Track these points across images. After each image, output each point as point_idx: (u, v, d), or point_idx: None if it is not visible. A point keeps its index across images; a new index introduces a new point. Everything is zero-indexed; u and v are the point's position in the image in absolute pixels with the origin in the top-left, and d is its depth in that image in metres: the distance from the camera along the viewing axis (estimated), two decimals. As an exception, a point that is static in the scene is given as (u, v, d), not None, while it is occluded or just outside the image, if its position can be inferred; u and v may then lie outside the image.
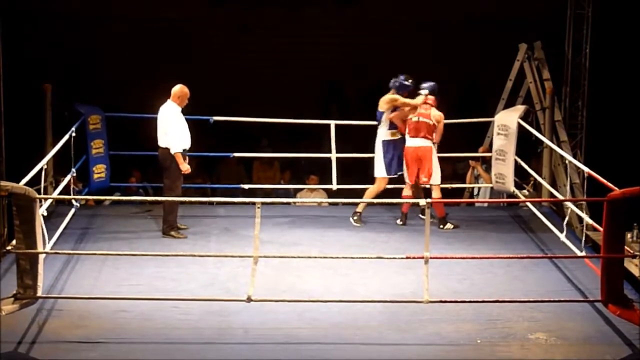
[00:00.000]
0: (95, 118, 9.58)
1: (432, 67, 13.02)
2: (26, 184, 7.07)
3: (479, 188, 10.62)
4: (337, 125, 9.97)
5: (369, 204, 9.35)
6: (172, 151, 8.48)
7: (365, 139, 9.53)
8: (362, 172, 10.74)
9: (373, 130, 9.26)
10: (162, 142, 8.58)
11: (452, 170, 11.77)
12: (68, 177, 9.03)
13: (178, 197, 8.47)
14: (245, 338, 6.52)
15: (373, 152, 9.27)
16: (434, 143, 9.09)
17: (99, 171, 9.59)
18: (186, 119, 9.58)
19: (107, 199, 8.86)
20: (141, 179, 11.15)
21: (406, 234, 8.83)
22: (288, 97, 13.10)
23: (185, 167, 8.52)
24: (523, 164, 9.63)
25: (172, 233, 8.63)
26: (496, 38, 12.63)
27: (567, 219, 8.25)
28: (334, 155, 9.77)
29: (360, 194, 9.75)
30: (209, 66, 13.14)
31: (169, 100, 8.60)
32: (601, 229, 6.74)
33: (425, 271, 6.65)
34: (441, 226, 9.05)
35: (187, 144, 8.61)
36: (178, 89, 8.59)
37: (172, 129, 8.50)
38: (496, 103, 10.97)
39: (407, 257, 7.21)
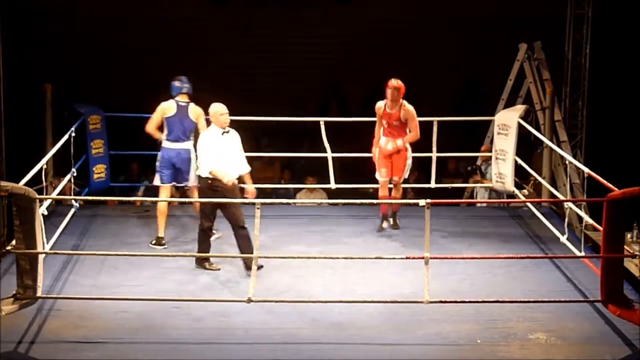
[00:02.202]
0: (95, 118, 9.58)
1: (432, 67, 13.09)
2: (26, 184, 7.08)
3: (477, 188, 10.64)
4: (336, 125, 9.96)
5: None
6: (204, 174, 7.69)
7: (364, 138, 9.51)
8: (362, 171, 10.76)
9: (371, 130, 9.23)
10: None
11: (456, 169, 11.77)
12: (68, 177, 9.03)
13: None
14: (245, 338, 6.52)
15: (369, 151, 9.21)
16: None
17: (99, 171, 9.59)
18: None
19: (107, 199, 8.86)
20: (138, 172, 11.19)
21: (406, 234, 8.82)
22: (288, 97, 13.11)
23: (227, 178, 7.68)
24: (523, 164, 9.63)
25: (206, 264, 7.80)
26: (496, 38, 12.64)
27: (566, 219, 8.25)
28: (329, 155, 9.70)
29: (359, 193, 9.75)
30: (209, 66, 13.13)
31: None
32: (601, 228, 6.74)
33: (426, 271, 6.65)
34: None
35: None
36: (211, 110, 7.86)
37: (200, 153, 7.80)
38: (496, 103, 10.97)
39: (407, 257, 7.21)
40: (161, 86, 8.81)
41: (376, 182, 8.96)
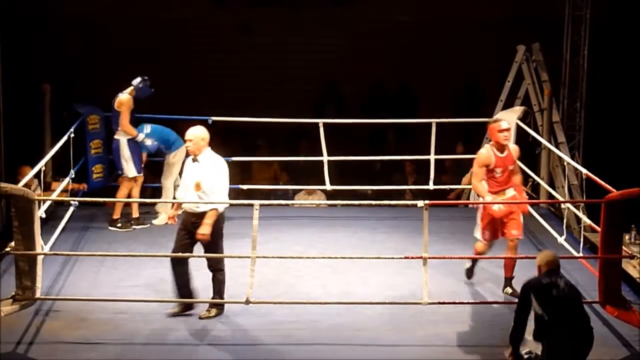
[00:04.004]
0: (94, 118, 9.58)
1: (430, 68, 13.09)
2: (24, 185, 7.09)
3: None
4: (334, 127, 9.94)
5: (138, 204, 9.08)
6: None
7: (363, 139, 9.53)
8: (361, 172, 10.77)
9: (369, 131, 9.24)
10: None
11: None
12: (67, 179, 9.03)
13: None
14: (243, 339, 6.53)
15: (365, 154, 9.17)
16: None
17: (98, 171, 9.58)
18: (185, 119, 9.56)
19: (106, 200, 8.84)
20: None
21: (405, 235, 8.82)
22: (288, 98, 13.11)
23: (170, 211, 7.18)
24: (522, 165, 9.62)
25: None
26: (495, 39, 12.63)
27: (565, 221, 8.25)
28: (325, 159, 9.63)
29: (357, 194, 9.72)
30: (209, 66, 13.13)
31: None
32: (599, 230, 6.75)
33: (424, 272, 6.66)
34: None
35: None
36: None
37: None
38: (494, 104, 10.97)
39: (406, 258, 7.22)
40: (161, 86, 8.81)
41: (375, 182, 8.94)
